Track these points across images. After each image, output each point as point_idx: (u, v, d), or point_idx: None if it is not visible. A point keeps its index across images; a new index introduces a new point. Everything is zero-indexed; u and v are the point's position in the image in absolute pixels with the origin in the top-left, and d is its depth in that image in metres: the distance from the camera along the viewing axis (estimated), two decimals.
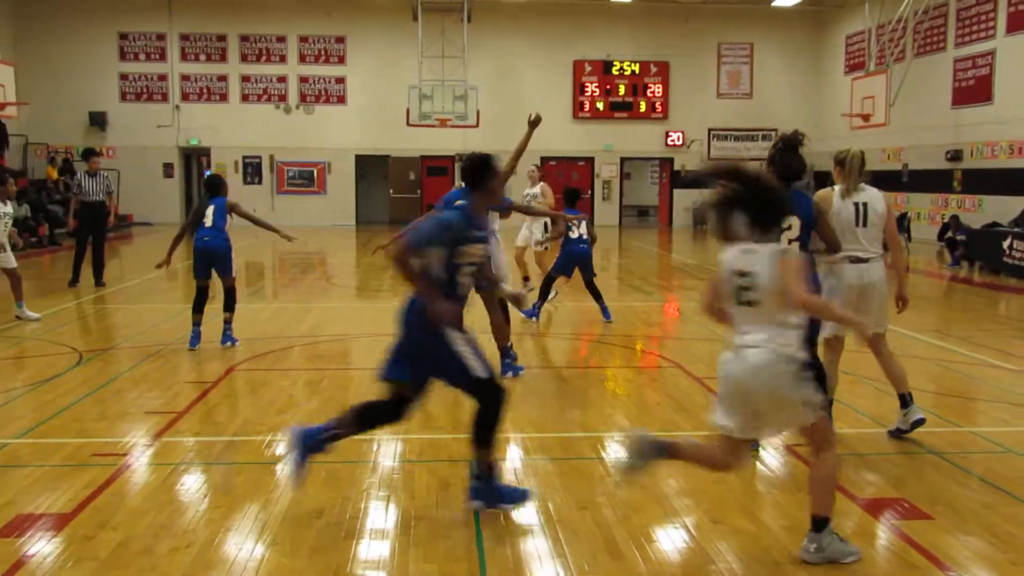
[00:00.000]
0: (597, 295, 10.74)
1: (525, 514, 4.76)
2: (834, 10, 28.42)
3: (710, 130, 29.96)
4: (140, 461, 5.60)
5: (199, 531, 4.50)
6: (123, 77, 28.56)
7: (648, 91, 29.76)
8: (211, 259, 8.85)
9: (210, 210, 8.86)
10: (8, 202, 10.82)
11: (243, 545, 4.36)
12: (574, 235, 10.48)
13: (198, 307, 8.90)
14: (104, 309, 12.08)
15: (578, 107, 29.60)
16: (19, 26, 27.02)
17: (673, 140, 29.94)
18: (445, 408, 6.90)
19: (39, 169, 26.24)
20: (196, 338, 8.87)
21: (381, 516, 4.73)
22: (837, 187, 6.01)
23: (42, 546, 4.31)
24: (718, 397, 4.17)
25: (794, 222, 5.38)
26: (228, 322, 9.10)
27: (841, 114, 24.71)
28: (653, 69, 29.69)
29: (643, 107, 29.78)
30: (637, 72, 29.67)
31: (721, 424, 4.13)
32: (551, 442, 6.07)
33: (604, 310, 10.66)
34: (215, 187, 9.16)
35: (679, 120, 29.93)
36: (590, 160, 30.02)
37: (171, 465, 5.54)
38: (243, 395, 7.24)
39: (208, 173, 29.30)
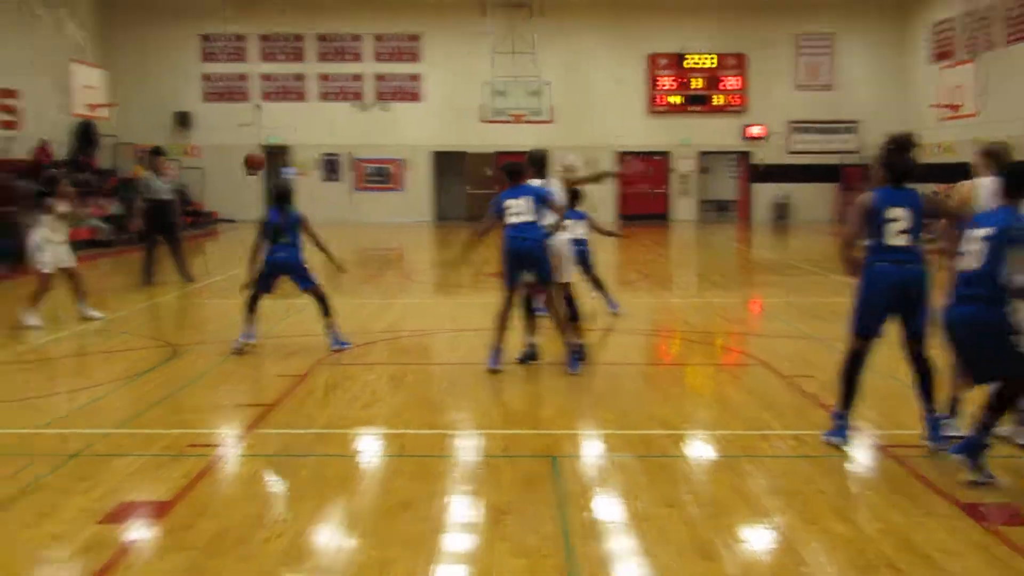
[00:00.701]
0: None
1: (612, 511, 4.76)
2: None
3: (790, 123, 29.42)
4: (234, 452, 5.75)
5: (291, 522, 4.60)
6: (206, 78, 29.26)
7: (725, 84, 29.34)
8: (286, 273, 8.69)
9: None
10: (67, 203, 10.60)
11: (334, 536, 4.46)
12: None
13: (254, 307, 8.74)
14: (193, 304, 12.41)
15: (653, 101, 29.34)
16: (109, 32, 27.87)
17: (751, 133, 29.47)
18: (526, 405, 6.94)
19: (129, 168, 27.06)
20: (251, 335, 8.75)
21: (468, 510, 4.78)
22: (984, 179, 5.84)
23: (144, 533, 4.47)
24: None
25: (902, 214, 5.49)
26: (331, 327, 8.82)
27: (929, 105, 24.04)
28: (730, 62, 29.26)
29: (720, 100, 29.37)
30: (713, 65, 29.28)
31: None
32: (634, 439, 6.05)
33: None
34: (285, 196, 8.81)
35: (757, 113, 29.45)
36: (666, 155, 29.75)
37: (263, 457, 5.68)
38: (330, 389, 7.36)
39: (283, 175, 29.98)
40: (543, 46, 26.47)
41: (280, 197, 8.80)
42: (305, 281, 8.75)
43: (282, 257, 8.62)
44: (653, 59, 29.21)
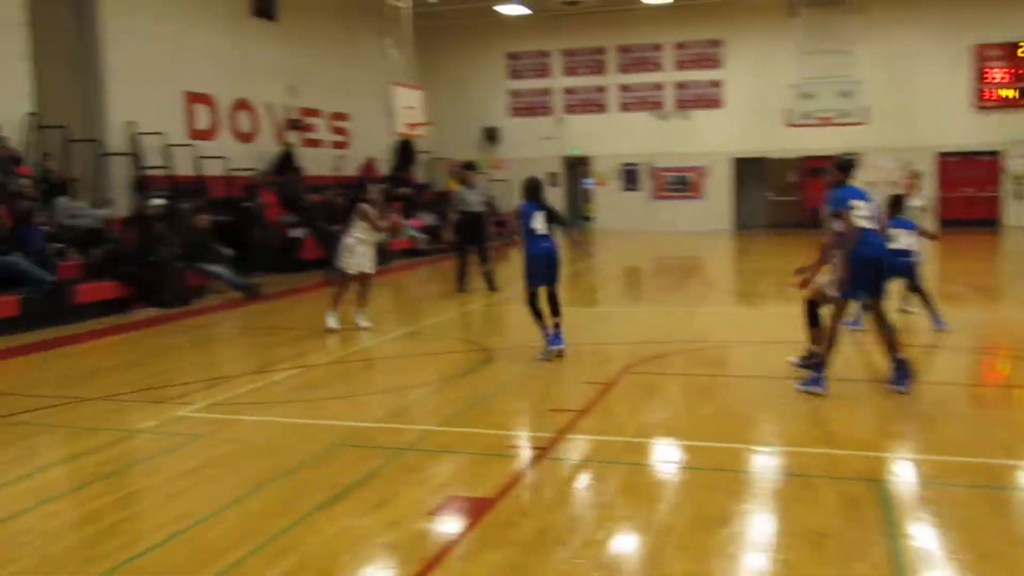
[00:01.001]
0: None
1: (947, 543, 4.41)
2: None
3: None
4: (550, 455, 5.94)
5: (609, 528, 4.68)
6: (512, 94, 30.65)
7: None
8: (554, 265, 8.95)
9: (539, 216, 8.80)
10: (374, 208, 11.10)
11: (652, 547, 4.48)
12: None
13: (539, 311, 8.92)
14: (502, 311, 13.01)
15: (979, 96, 26.90)
16: (426, 54, 29.95)
17: None
18: (844, 423, 6.60)
19: (443, 182, 28.93)
20: (558, 338, 8.87)
21: (787, 530, 4.62)
22: None
23: (470, 526, 4.73)
24: None
25: None
26: (559, 326, 8.99)
27: None
28: None
29: None
30: None
31: None
32: (969, 467, 5.56)
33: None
34: (535, 190, 9.12)
35: None
36: (995, 154, 27.16)
37: (576, 462, 5.83)
38: (639, 398, 7.43)
39: (583, 185, 30.66)
40: (858, 43, 25.10)
41: (533, 190, 9.10)
42: (558, 276, 9.05)
43: (549, 249, 8.88)
44: (980, 50, 26.78)
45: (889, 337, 7.31)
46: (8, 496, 5.34)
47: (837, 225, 7.13)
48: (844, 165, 7.39)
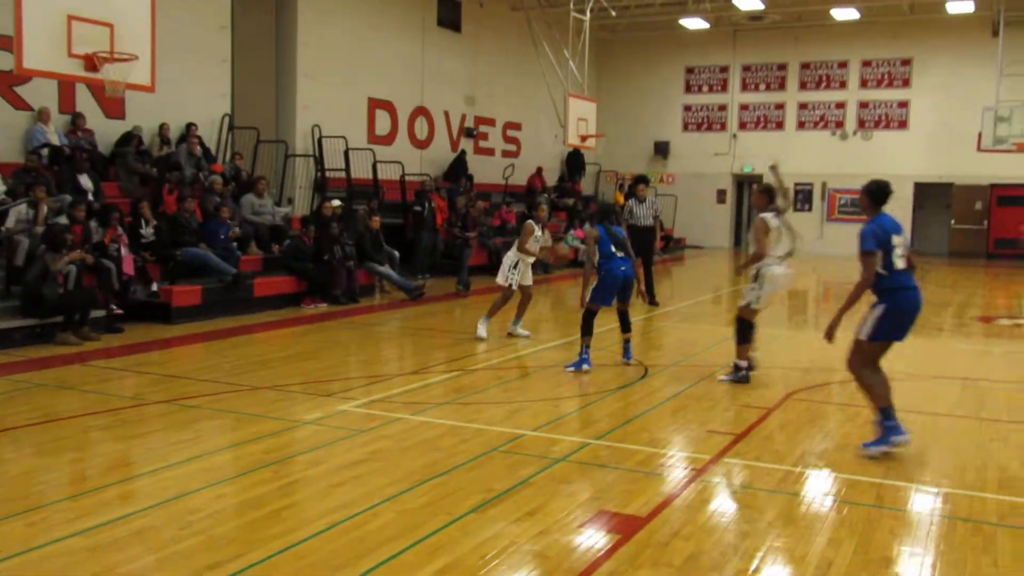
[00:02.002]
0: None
1: None
2: None
3: None
4: (705, 477, 5.84)
5: (765, 557, 4.55)
6: (686, 108, 30.29)
7: None
8: (629, 287, 9.38)
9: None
10: (540, 226, 11.47)
11: None
12: None
13: (591, 330, 9.29)
14: (662, 327, 12.86)
15: None
16: (602, 66, 30.06)
17: None
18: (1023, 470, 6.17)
19: (609, 195, 28.92)
20: (627, 353, 9.62)
21: None
22: None
23: (621, 543, 4.70)
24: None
25: None
26: (629, 341, 9.72)
27: None
28: None
29: None
30: None
31: None
32: None
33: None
34: (608, 214, 9.68)
35: None
36: None
37: (734, 486, 5.70)
38: (801, 425, 7.19)
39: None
40: None
41: (606, 215, 9.67)
42: (630, 296, 9.52)
43: (627, 272, 9.28)
44: None
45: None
46: (178, 476, 5.68)
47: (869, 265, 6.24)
48: (877, 191, 6.59)
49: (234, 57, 16.04)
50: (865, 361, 6.43)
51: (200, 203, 13.27)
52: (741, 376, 8.58)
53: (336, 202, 14.91)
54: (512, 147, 25.17)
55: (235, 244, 13.31)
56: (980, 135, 23.44)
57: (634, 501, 5.29)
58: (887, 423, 6.29)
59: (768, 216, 8.47)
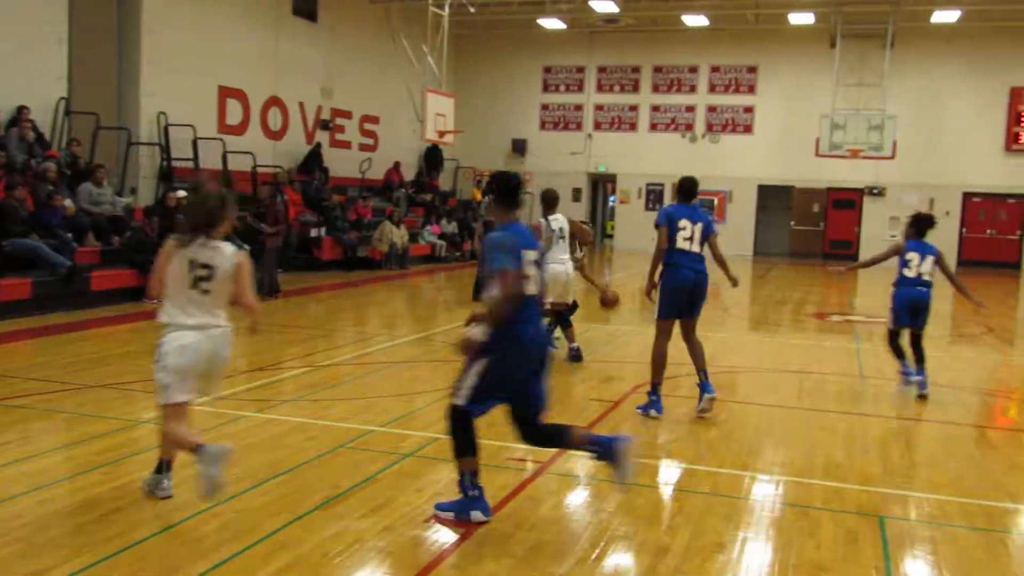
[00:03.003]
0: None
1: None
2: None
3: None
4: (550, 470, 5.93)
5: (605, 546, 4.67)
6: (544, 107, 30.71)
7: None
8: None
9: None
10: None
11: (646, 567, 4.45)
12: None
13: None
14: None
15: (1012, 138, 26.70)
16: (461, 63, 30.10)
17: None
18: (850, 457, 6.55)
19: (466, 191, 29.01)
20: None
21: (784, 561, 4.58)
22: None
23: (465, 537, 4.72)
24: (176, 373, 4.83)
25: None
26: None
27: None
28: None
29: None
30: None
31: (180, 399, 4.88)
32: (972, 509, 5.51)
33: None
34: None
35: None
36: (1022, 198, 26.94)
37: (577, 477, 5.81)
38: (643, 420, 7.39)
39: (611, 201, 30.62)
40: (892, 77, 25.02)
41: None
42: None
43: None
44: (1017, 92, 26.60)
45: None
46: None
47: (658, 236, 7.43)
48: (683, 185, 7.69)
49: (73, 39, 15.23)
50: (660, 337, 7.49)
51: (32, 191, 12.52)
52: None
53: (182, 192, 14.35)
54: (370, 140, 24.89)
55: (71, 236, 12.61)
56: (818, 141, 24.76)
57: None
58: (652, 396, 7.44)
59: (543, 220, 9.54)
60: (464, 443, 4.86)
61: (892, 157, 24.47)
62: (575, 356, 9.57)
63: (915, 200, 27.47)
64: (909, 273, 8.46)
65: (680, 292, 7.34)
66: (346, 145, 23.75)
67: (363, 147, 24.44)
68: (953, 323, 14.72)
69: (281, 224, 14.89)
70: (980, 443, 7.26)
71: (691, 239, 7.36)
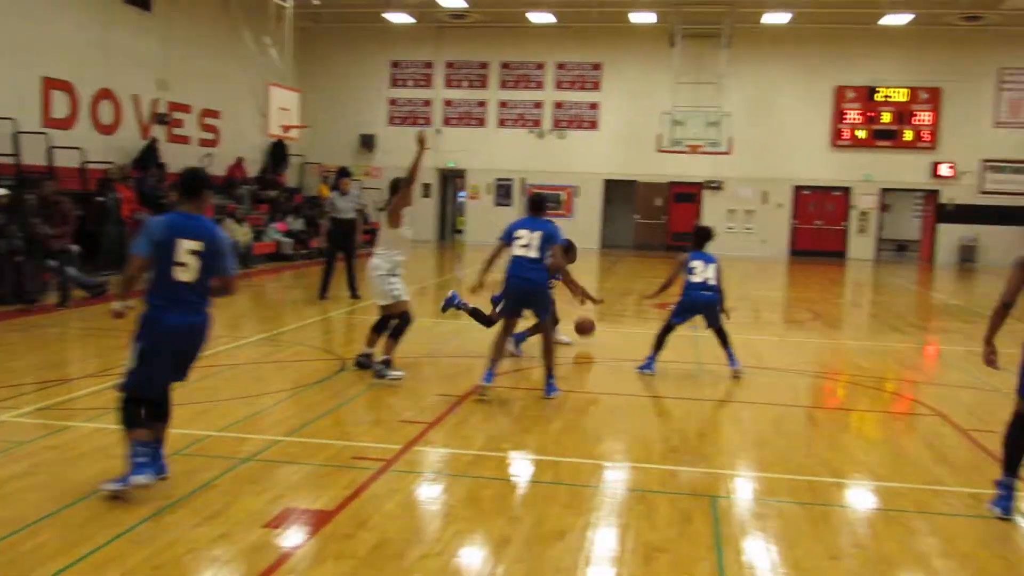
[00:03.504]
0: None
1: (770, 558, 4.58)
2: None
3: (984, 161, 27.75)
4: (395, 467, 5.90)
5: (447, 541, 4.67)
6: (392, 102, 30.48)
7: (915, 119, 28.00)
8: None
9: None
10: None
11: (488, 559, 4.49)
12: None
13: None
14: (365, 320, 12.85)
15: (837, 135, 28.35)
16: (305, 56, 29.49)
17: (941, 171, 27.97)
18: (686, 440, 6.80)
19: (313, 187, 28.48)
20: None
21: (621, 544, 4.72)
22: None
23: (306, 539, 4.64)
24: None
25: None
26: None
27: None
28: (922, 95, 27.91)
29: (909, 136, 28.05)
30: (904, 99, 28.01)
31: None
32: (798, 484, 5.82)
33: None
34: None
35: (949, 150, 27.93)
36: (846, 190, 28.66)
37: (422, 474, 5.80)
38: (489, 412, 7.45)
39: (459, 198, 30.69)
40: (728, 76, 26.10)
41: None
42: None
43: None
44: (841, 91, 28.25)
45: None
46: None
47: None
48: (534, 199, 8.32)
49: None
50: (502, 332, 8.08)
51: None
52: (394, 375, 8.37)
53: (2, 191, 13.50)
54: (211, 135, 24.07)
55: None
56: (660, 137, 25.58)
57: (323, 496, 5.25)
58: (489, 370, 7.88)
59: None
60: (128, 418, 5.18)
61: (729, 152, 25.55)
62: (361, 364, 8.82)
63: (750, 193, 28.85)
64: (695, 279, 9.14)
65: (510, 296, 8.07)
66: (185, 140, 22.89)
67: (204, 142, 23.62)
68: (784, 310, 15.49)
69: (68, 225, 13.17)
70: (807, 423, 7.67)
71: (528, 246, 7.86)
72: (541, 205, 8.25)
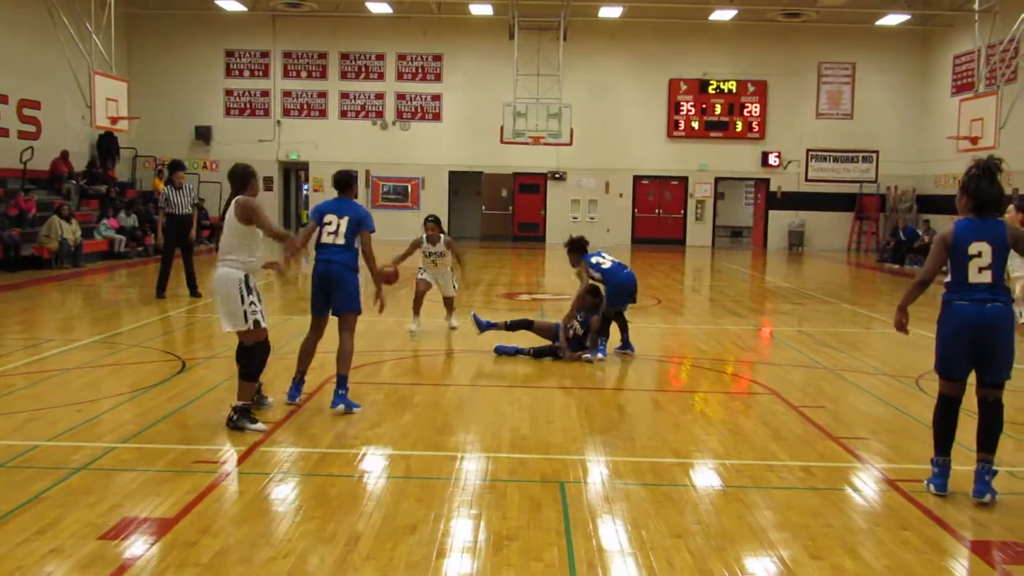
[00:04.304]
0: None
1: (618, 540, 4.71)
2: (942, 29, 27.63)
3: (808, 151, 29.39)
4: (239, 470, 5.73)
5: (295, 541, 4.57)
6: (228, 93, 29.50)
7: (745, 110, 29.35)
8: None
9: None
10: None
11: (338, 557, 4.42)
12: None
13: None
14: (205, 319, 12.42)
15: (673, 126, 29.38)
16: (133, 44, 28.18)
17: (770, 161, 29.45)
18: (535, 429, 6.89)
19: (147, 181, 27.27)
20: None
21: (473, 534, 4.74)
22: None
23: (146, 549, 4.44)
24: None
25: (984, 248, 5.23)
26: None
27: (947, 136, 23.93)
28: (750, 88, 29.28)
29: (739, 127, 29.38)
30: (734, 91, 29.31)
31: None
32: (643, 467, 6.00)
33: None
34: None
35: (776, 140, 29.45)
36: (684, 180, 29.76)
37: (268, 475, 5.65)
38: (338, 409, 7.32)
39: (304, 190, 30.02)
40: (567, 68, 26.58)
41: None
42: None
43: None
44: (675, 84, 29.27)
45: None
46: None
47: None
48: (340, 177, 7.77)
49: None
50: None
51: None
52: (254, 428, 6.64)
53: None
54: (31, 128, 22.65)
55: None
56: (502, 129, 25.80)
57: (163, 503, 5.03)
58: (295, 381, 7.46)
59: None
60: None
61: (570, 144, 26.06)
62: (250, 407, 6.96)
63: (593, 183, 29.54)
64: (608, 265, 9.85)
65: (317, 286, 7.43)
66: (3, 133, 21.47)
67: (23, 135, 22.21)
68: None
69: None
70: (651, 406, 7.92)
71: (335, 233, 7.36)
72: (345, 183, 7.69)
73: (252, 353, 6.72)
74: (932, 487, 5.43)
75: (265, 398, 7.27)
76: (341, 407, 7.14)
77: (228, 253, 6.61)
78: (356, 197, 7.89)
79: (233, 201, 6.74)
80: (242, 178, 6.82)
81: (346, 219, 7.38)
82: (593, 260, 9.81)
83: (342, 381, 7.23)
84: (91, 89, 19.14)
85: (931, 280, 5.44)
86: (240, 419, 6.55)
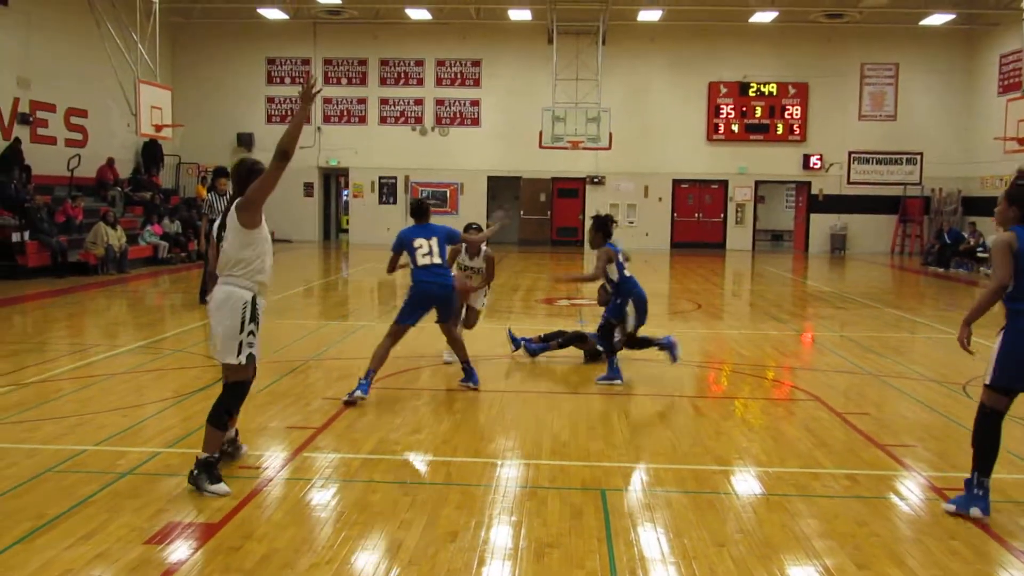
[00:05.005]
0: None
1: (660, 548, 4.67)
2: (987, 29, 27.17)
3: (851, 153, 29.03)
4: (282, 475, 5.77)
5: (337, 548, 4.59)
6: (269, 100, 29.84)
7: (786, 113, 29.08)
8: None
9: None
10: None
11: (380, 564, 4.43)
12: None
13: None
14: None
15: (712, 129, 29.18)
16: (176, 53, 28.61)
17: (811, 163, 29.14)
18: (575, 435, 6.87)
19: (190, 188, 27.64)
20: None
21: (514, 542, 4.73)
22: None
23: (190, 554, 4.49)
24: None
25: None
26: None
27: (994, 137, 23.53)
28: (791, 90, 29.00)
29: (780, 129, 29.10)
30: (775, 93, 29.04)
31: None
32: (684, 474, 5.95)
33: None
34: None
35: (817, 143, 29.13)
36: (723, 183, 29.54)
37: (311, 480, 5.69)
38: (379, 414, 7.37)
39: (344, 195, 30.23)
40: (606, 73, 26.53)
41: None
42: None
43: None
44: (715, 87, 29.08)
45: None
46: None
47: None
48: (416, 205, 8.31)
49: None
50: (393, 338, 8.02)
51: None
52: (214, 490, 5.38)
53: None
54: (78, 136, 23.07)
55: None
56: (541, 134, 25.80)
57: (207, 508, 5.09)
58: (363, 380, 7.70)
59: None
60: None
61: (609, 148, 25.98)
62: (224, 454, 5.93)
63: (632, 188, 29.42)
64: (628, 273, 8.84)
65: (420, 301, 8.05)
66: (51, 141, 21.89)
67: (71, 143, 22.63)
68: (668, 302, 15.84)
69: None
70: (692, 412, 7.85)
71: (430, 254, 7.97)
72: (422, 211, 8.26)
73: (230, 393, 5.59)
74: (978, 510, 5.10)
75: (240, 446, 6.05)
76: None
77: (233, 267, 5.70)
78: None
79: (233, 204, 5.87)
80: (247, 175, 5.87)
81: (435, 239, 8.02)
82: (620, 258, 8.73)
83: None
84: (136, 97, 19.46)
85: (1007, 287, 5.06)
86: (199, 475, 5.30)
